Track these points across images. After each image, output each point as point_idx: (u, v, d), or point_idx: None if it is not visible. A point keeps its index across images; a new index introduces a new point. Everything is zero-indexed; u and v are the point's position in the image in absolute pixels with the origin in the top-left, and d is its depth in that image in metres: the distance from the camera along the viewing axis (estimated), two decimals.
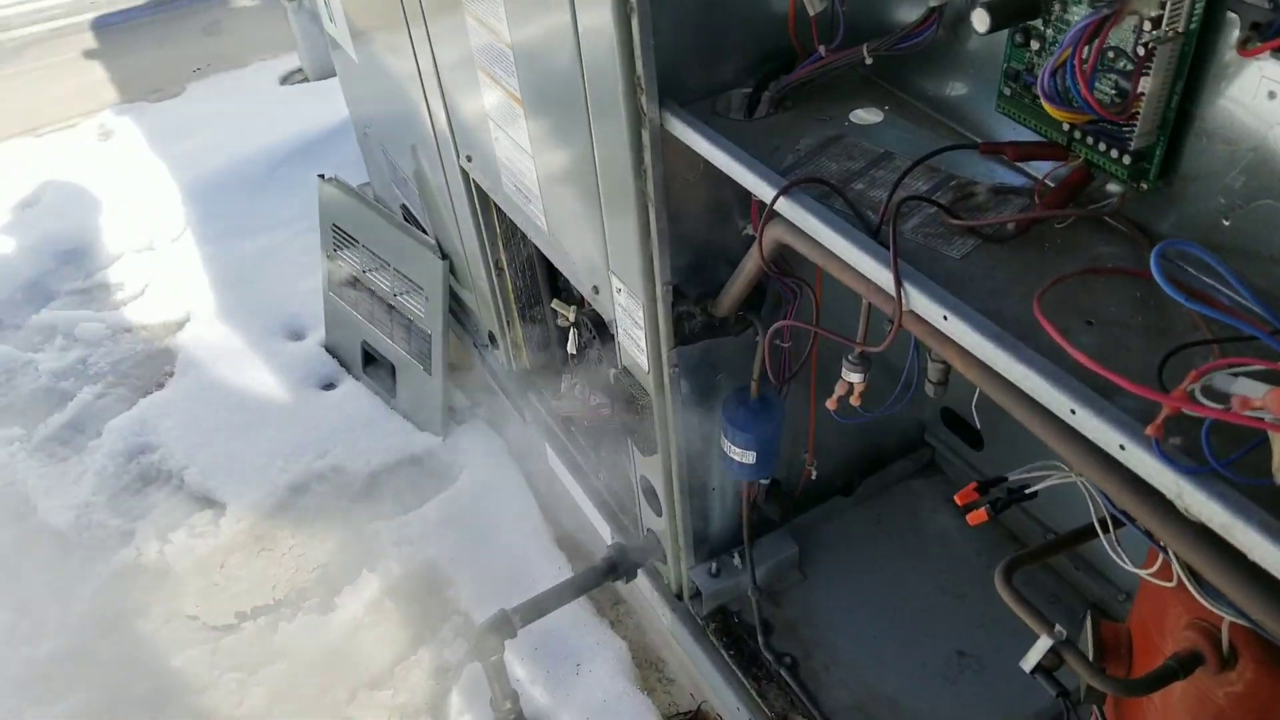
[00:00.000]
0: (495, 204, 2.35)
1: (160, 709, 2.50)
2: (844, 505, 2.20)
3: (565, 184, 1.73)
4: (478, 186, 2.31)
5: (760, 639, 1.96)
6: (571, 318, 2.23)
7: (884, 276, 1.04)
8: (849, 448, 2.15)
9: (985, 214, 1.11)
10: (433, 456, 3.09)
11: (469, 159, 2.22)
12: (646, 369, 1.71)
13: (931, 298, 0.99)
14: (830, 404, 1.33)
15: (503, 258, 2.48)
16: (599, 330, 2.16)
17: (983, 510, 1.23)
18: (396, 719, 2.42)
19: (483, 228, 2.41)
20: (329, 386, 3.43)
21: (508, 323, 2.63)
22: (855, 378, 1.27)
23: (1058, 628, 1.09)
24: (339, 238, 3.24)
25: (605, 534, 2.38)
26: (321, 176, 3.27)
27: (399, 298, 3.06)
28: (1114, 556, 1.12)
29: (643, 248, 1.52)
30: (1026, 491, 1.22)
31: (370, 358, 3.33)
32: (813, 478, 1.96)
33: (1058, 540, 1.21)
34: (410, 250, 2.95)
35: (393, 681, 2.50)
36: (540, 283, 2.49)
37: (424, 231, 2.97)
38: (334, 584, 2.75)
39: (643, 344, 1.68)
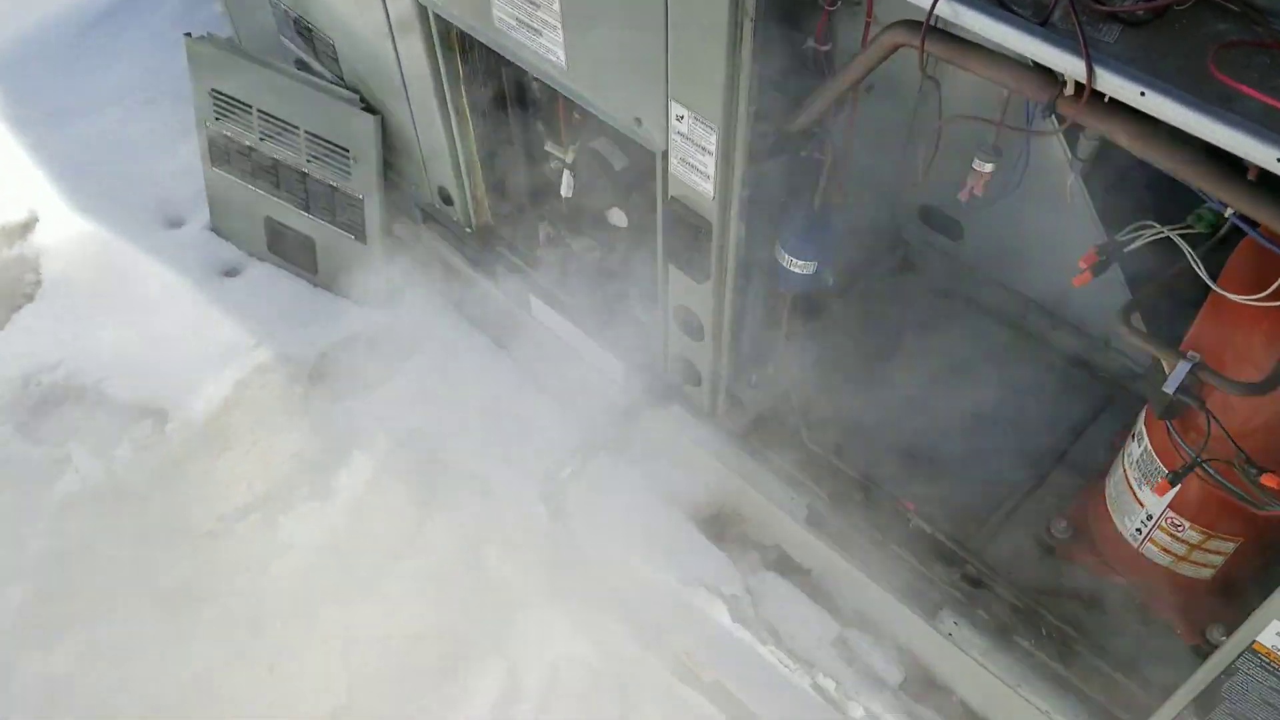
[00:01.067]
0: (460, 46, 2.25)
1: (172, 625, 2.42)
2: (838, 305, 2.40)
3: (609, 14, 1.70)
4: (440, 26, 2.19)
5: (805, 434, 2.16)
6: (569, 159, 2.22)
7: (1066, 62, 1.17)
8: (839, 252, 2.32)
9: (1120, 1, 1.25)
10: (382, 329, 3.01)
11: None
12: (712, 195, 1.77)
13: (1125, 77, 1.13)
14: (963, 195, 1.47)
15: (464, 103, 2.39)
16: (604, 168, 2.17)
17: (1088, 272, 1.44)
18: (432, 583, 2.48)
19: (442, 73, 2.30)
20: (231, 273, 3.21)
21: (468, 174, 2.56)
22: (988, 167, 1.41)
23: (1190, 352, 1.33)
24: (222, 104, 2.95)
25: (614, 369, 2.47)
26: (189, 35, 2.93)
27: (313, 164, 2.87)
28: (1213, 287, 1.35)
29: (730, 73, 1.55)
30: (1126, 250, 1.44)
31: (278, 235, 3.13)
32: (830, 284, 2.12)
33: (1160, 283, 1.45)
34: (326, 109, 2.75)
35: (417, 549, 2.54)
36: (513, 126, 2.43)
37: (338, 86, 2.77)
38: (320, 469, 2.70)
39: (710, 170, 1.74)
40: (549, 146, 2.26)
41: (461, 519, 2.58)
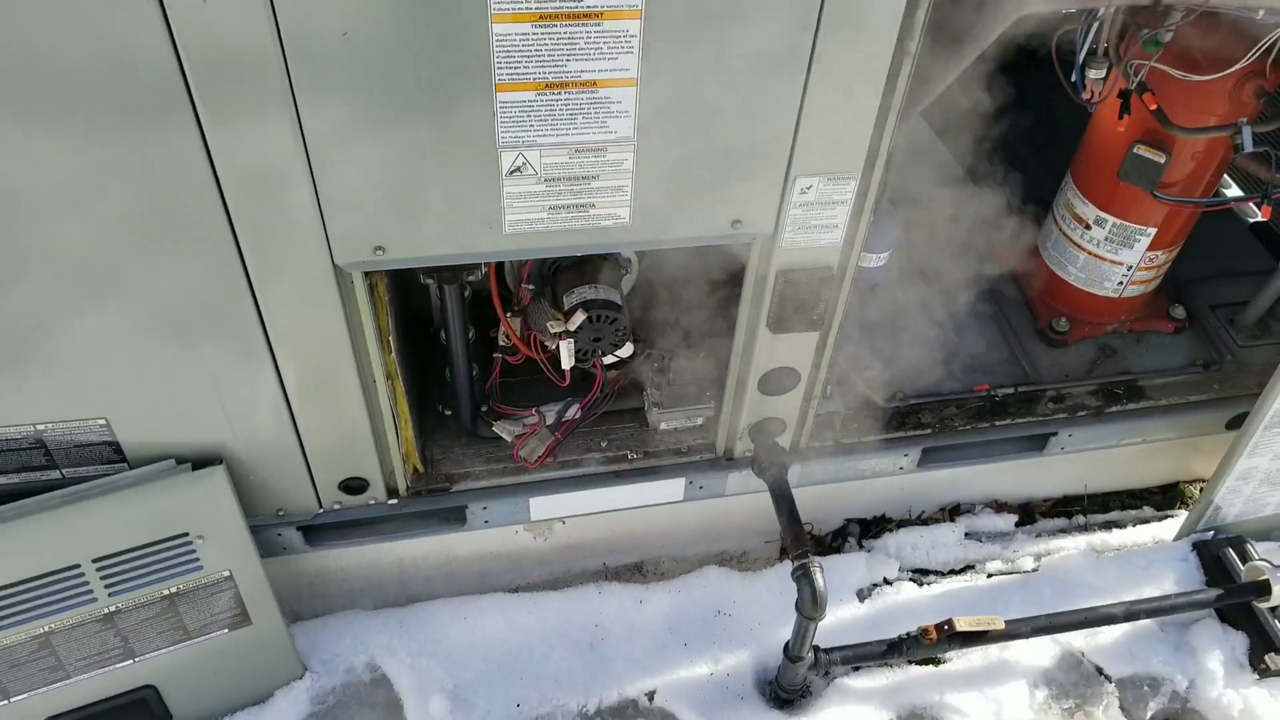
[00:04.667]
0: (388, 297, 1.91)
1: None
2: None
3: (711, 133, 1.68)
4: (366, 285, 1.84)
5: (880, 401, 2.46)
6: (575, 325, 2.07)
7: None
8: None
9: None
10: (327, 696, 2.40)
11: (380, 250, 1.75)
12: (840, 241, 1.92)
13: None
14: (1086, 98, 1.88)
15: (392, 360, 2.02)
16: (610, 311, 2.09)
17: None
18: None
19: (368, 338, 1.93)
20: None
21: (396, 439, 2.17)
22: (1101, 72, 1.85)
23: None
24: None
25: (674, 492, 2.42)
26: None
27: (124, 594, 2.11)
28: None
29: (880, 118, 1.72)
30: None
31: None
32: None
33: None
34: (124, 509, 2.03)
35: None
36: (456, 341, 2.12)
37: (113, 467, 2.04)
38: None
39: (840, 219, 1.88)
40: (550, 324, 2.07)
41: None
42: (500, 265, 2.17)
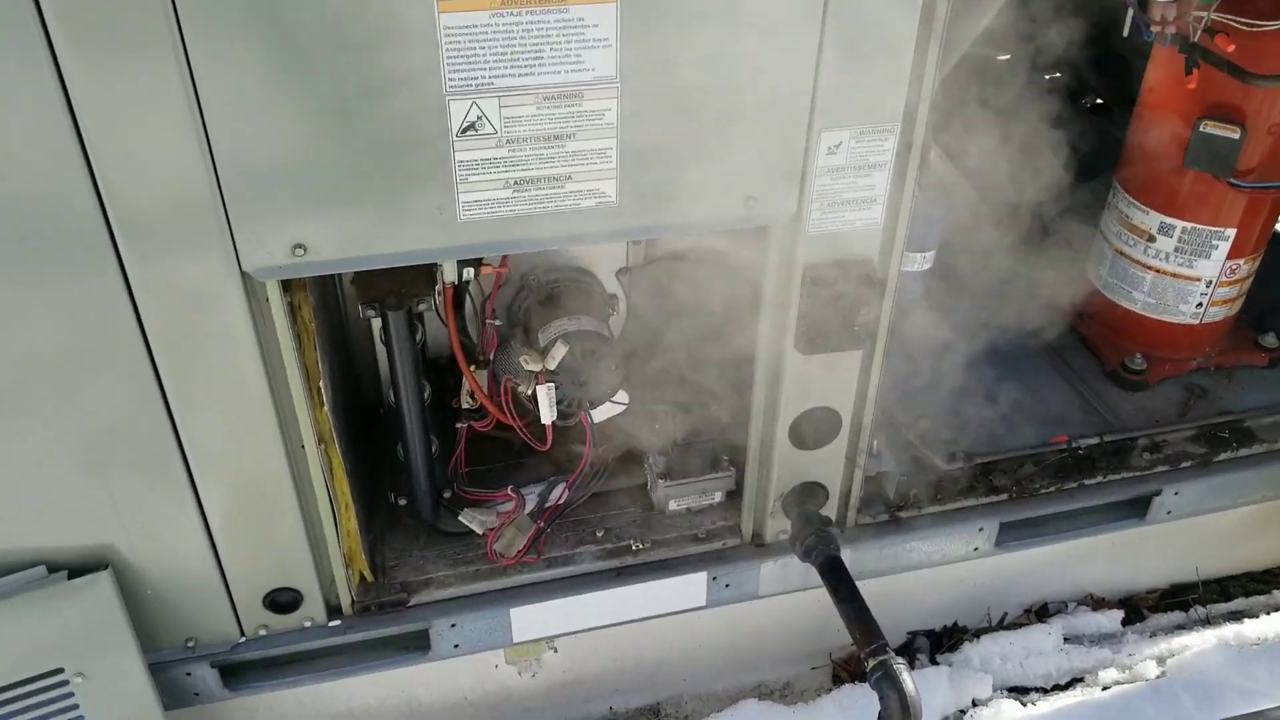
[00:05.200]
0: (315, 327, 1.54)
1: None
2: None
3: (712, 62, 1.37)
4: (290, 302, 1.48)
5: (941, 463, 2.04)
6: (556, 361, 1.68)
7: None
8: None
9: None
10: None
11: (301, 249, 1.39)
12: (881, 218, 1.58)
13: None
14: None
15: (324, 417, 1.62)
16: (600, 346, 1.73)
17: None
18: None
19: (294, 383, 1.53)
20: None
21: (338, 530, 1.73)
22: None
23: None
24: None
25: (694, 593, 1.96)
26: None
27: None
28: None
29: (923, 37, 1.43)
30: None
31: None
32: None
33: None
34: None
35: None
36: (408, 397, 1.72)
37: None
38: None
39: (879, 188, 1.55)
40: (524, 359, 1.68)
41: None
42: (460, 310, 1.80)
